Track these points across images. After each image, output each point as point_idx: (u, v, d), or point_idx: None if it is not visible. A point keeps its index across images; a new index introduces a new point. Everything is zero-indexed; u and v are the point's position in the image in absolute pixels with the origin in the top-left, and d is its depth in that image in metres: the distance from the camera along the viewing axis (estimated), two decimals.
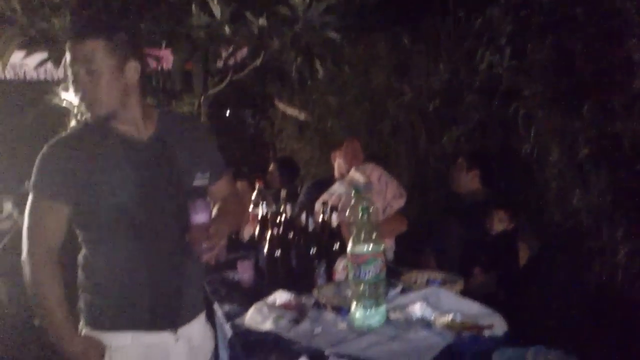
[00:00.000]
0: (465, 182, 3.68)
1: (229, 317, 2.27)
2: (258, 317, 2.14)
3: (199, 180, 1.94)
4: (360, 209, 2.02)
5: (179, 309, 1.92)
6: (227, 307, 2.38)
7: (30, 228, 1.78)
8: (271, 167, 4.96)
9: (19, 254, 1.81)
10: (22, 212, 3.47)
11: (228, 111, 8.98)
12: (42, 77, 4.92)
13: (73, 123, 7.75)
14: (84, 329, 1.86)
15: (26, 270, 1.78)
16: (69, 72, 1.76)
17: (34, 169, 1.78)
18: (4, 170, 6.89)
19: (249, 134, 9.36)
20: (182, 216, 1.84)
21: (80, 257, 1.90)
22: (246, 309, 2.24)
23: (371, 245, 1.95)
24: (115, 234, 1.80)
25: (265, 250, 2.55)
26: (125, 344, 1.82)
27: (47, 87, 6.43)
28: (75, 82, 1.75)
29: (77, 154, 1.76)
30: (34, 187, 1.78)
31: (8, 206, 5.98)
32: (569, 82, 4.02)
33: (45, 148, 1.80)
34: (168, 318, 1.90)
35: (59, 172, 1.75)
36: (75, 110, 6.53)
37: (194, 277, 1.97)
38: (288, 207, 2.62)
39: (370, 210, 2.01)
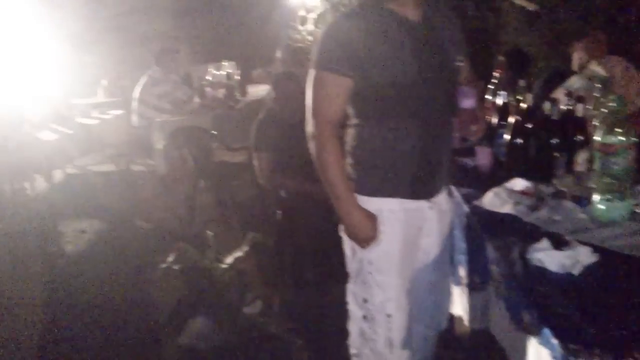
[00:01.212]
0: None
1: (467, 198, 2.38)
2: (496, 201, 2.23)
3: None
4: (613, 98, 1.96)
5: (436, 182, 2.08)
6: (464, 190, 2.48)
7: (315, 102, 1.96)
8: (500, 58, 4.82)
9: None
10: None
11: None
12: None
13: None
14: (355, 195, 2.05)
15: (312, 143, 1.99)
16: None
17: (318, 45, 1.94)
18: None
19: (472, 27, 9.07)
20: (452, 97, 1.96)
21: (352, 129, 2.06)
22: (483, 193, 2.34)
23: (622, 135, 1.89)
24: (392, 109, 1.94)
25: (506, 137, 2.58)
26: (394, 208, 2.02)
27: None
28: None
29: (359, 30, 1.88)
30: (318, 62, 1.93)
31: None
32: None
33: (328, 25, 1.96)
34: (427, 189, 2.07)
35: (343, 47, 1.87)
36: None
37: (449, 155, 2.11)
38: (528, 97, 2.59)
39: (623, 100, 1.95)
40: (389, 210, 2.00)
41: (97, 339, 3.43)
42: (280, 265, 3.74)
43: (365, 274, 2.04)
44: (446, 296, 2.34)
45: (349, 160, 2.06)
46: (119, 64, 8.03)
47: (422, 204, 2.06)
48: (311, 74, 1.96)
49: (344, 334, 2.26)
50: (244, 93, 6.16)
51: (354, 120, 2.03)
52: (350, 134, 2.06)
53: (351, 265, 2.13)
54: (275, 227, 3.76)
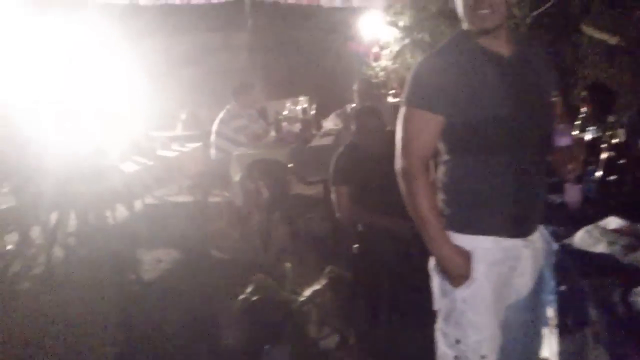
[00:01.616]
0: None
1: (555, 236, 2.30)
2: (589, 240, 2.15)
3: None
4: None
5: (531, 220, 2.02)
6: (551, 228, 2.40)
7: (405, 138, 1.93)
8: (583, 93, 4.70)
9: None
10: None
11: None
12: None
13: None
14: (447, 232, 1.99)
15: (401, 180, 1.96)
16: None
17: (409, 82, 1.93)
18: None
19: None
20: (547, 133, 1.92)
21: (443, 165, 2.02)
22: (572, 231, 2.26)
23: None
24: (486, 145, 1.90)
25: (597, 175, 2.50)
26: (488, 246, 1.95)
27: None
28: None
29: (451, 67, 1.87)
30: (409, 99, 1.91)
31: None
32: None
33: (419, 63, 1.96)
34: (522, 227, 2.00)
35: (435, 84, 1.86)
36: None
37: (544, 192, 2.05)
38: (620, 132, 2.51)
39: None
40: (483, 248, 1.94)
41: None
42: (356, 299, 3.70)
43: (458, 313, 1.98)
44: (537, 338, 2.24)
45: (441, 196, 2.02)
46: (197, 98, 8.29)
47: (517, 242, 1.99)
48: (402, 110, 1.94)
49: None
50: (319, 128, 6.23)
51: (445, 157, 2.00)
52: (442, 170, 2.02)
53: (441, 304, 2.05)
54: (351, 261, 3.74)
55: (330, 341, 3.26)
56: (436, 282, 2.05)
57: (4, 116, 5.73)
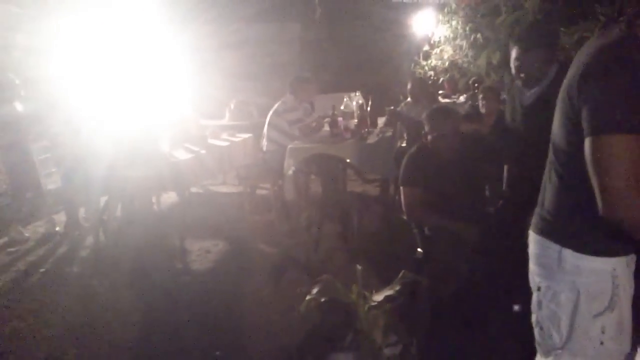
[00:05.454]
0: None
1: None
2: None
3: None
4: None
5: None
6: None
7: (626, 167, 1.53)
8: None
9: None
10: None
11: None
12: None
13: None
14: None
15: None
16: None
17: (613, 101, 1.57)
18: None
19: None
20: None
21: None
22: None
23: None
24: None
25: None
26: (623, 267, 1.77)
27: None
28: None
29: None
30: (622, 124, 1.54)
31: None
32: None
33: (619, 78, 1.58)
34: None
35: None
36: None
37: None
38: None
39: None
40: (623, 270, 1.77)
41: None
42: (417, 306, 3.58)
43: (596, 345, 1.78)
44: None
45: (579, 219, 1.77)
46: (247, 87, 8.22)
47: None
48: (611, 140, 1.56)
49: None
50: (374, 125, 6.07)
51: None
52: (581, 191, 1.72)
53: (575, 334, 1.81)
54: (415, 265, 3.61)
55: (395, 349, 3.13)
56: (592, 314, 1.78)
57: (63, 101, 5.74)
